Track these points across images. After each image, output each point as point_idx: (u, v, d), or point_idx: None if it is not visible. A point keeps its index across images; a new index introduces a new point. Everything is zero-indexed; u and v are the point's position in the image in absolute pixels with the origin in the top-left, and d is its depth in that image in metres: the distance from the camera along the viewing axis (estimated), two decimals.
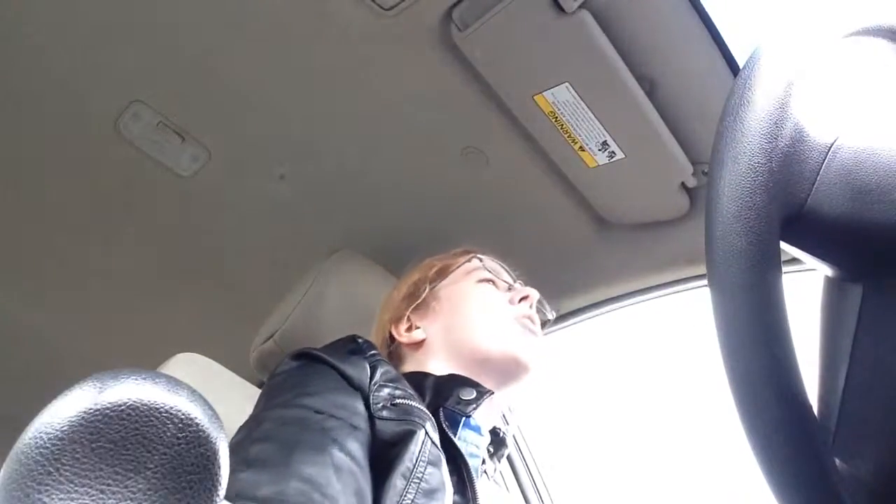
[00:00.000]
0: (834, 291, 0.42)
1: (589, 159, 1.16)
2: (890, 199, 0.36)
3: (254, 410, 0.76)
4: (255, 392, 1.14)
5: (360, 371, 0.77)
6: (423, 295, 0.99)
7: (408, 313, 0.98)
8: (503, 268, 1.04)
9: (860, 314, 0.39)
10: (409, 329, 0.97)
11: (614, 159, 1.14)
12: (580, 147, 1.14)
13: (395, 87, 1.14)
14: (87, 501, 0.50)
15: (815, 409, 0.39)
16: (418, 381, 0.86)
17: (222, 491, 0.62)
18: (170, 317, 1.54)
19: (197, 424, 0.57)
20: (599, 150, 1.14)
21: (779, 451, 0.37)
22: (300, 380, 0.75)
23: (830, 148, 0.39)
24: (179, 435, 0.55)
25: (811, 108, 0.40)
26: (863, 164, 0.37)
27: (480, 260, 1.03)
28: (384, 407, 0.73)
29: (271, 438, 0.65)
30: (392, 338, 0.98)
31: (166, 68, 1.15)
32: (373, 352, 0.83)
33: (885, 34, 0.43)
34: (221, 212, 1.39)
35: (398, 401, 0.75)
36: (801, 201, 0.38)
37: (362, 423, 0.71)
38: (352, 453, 0.65)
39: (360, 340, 0.86)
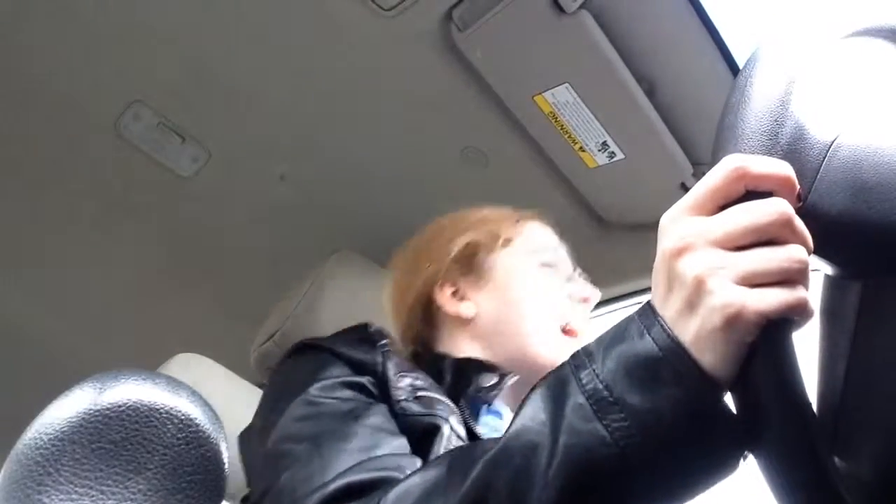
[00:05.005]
0: (833, 289, 0.42)
1: (589, 159, 1.16)
2: (890, 197, 0.36)
3: (259, 413, 0.73)
4: (256, 392, 1.14)
5: (370, 358, 0.73)
6: (481, 261, 0.87)
7: (459, 278, 0.86)
8: (566, 252, 0.92)
9: (859, 312, 0.39)
10: (456, 295, 0.85)
11: (614, 159, 1.14)
12: (580, 147, 1.14)
13: (395, 87, 1.14)
14: (86, 502, 0.50)
15: (815, 407, 0.39)
16: (437, 363, 0.80)
17: (223, 491, 0.62)
18: (170, 317, 1.53)
19: (197, 425, 0.57)
20: (599, 150, 1.14)
21: (778, 448, 0.37)
22: (302, 376, 0.71)
23: (831, 146, 0.39)
24: (179, 435, 0.55)
25: (812, 106, 0.40)
26: (863, 163, 0.37)
27: (554, 236, 0.92)
28: (407, 399, 0.68)
29: (295, 440, 0.63)
30: (431, 300, 0.86)
31: (166, 68, 1.15)
32: (384, 342, 0.77)
33: (885, 34, 0.43)
34: (221, 212, 1.39)
35: (421, 393, 0.70)
36: (801, 199, 0.38)
37: (376, 400, 0.68)
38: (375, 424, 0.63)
39: (372, 329, 0.80)
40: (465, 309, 0.83)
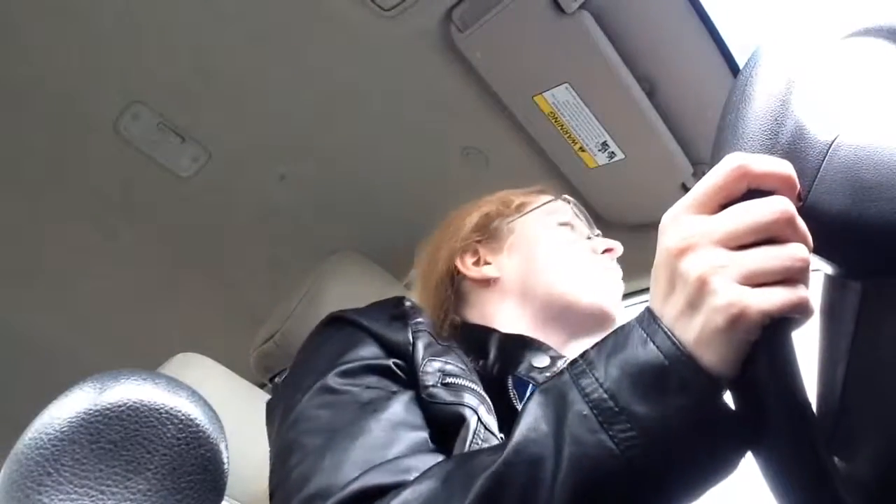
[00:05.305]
0: (833, 289, 0.42)
1: (589, 159, 1.16)
2: (889, 196, 0.36)
3: (284, 385, 0.72)
4: (256, 392, 1.14)
5: (401, 337, 0.71)
6: (497, 227, 0.88)
7: (478, 246, 0.87)
8: (585, 218, 0.93)
9: (859, 312, 0.39)
10: (478, 263, 0.86)
11: (614, 159, 1.14)
12: (580, 147, 1.14)
13: (394, 87, 1.14)
14: (86, 502, 0.50)
15: (814, 407, 0.39)
16: (481, 337, 0.78)
17: (223, 491, 0.62)
18: (170, 317, 1.53)
19: (197, 425, 0.57)
20: (599, 150, 1.14)
21: (778, 448, 0.37)
22: (329, 353, 0.69)
23: (831, 146, 0.39)
24: (180, 436, 0.55)
25: (812, 106, 0.40)
26: (863, 162, 0.37)
27: (568, 202, 0.92)
28: (435, 385, 0.66)
29: (309, 431, 0.61)
30: (455, 273, 0.86)
31: (166, 68, 1.15)
32: (419, 319, 0.75)
33: (885, 34, 0.43)
34: (221, 212, 1.39)
35: (450, 379, 0.67)
36: (801, 198, 0.38)
37: (402, 386, 0.66)
38: (394, 417, 0.61)
39: (407, 304, 0.78)
40: (487, 271, 0.84)
